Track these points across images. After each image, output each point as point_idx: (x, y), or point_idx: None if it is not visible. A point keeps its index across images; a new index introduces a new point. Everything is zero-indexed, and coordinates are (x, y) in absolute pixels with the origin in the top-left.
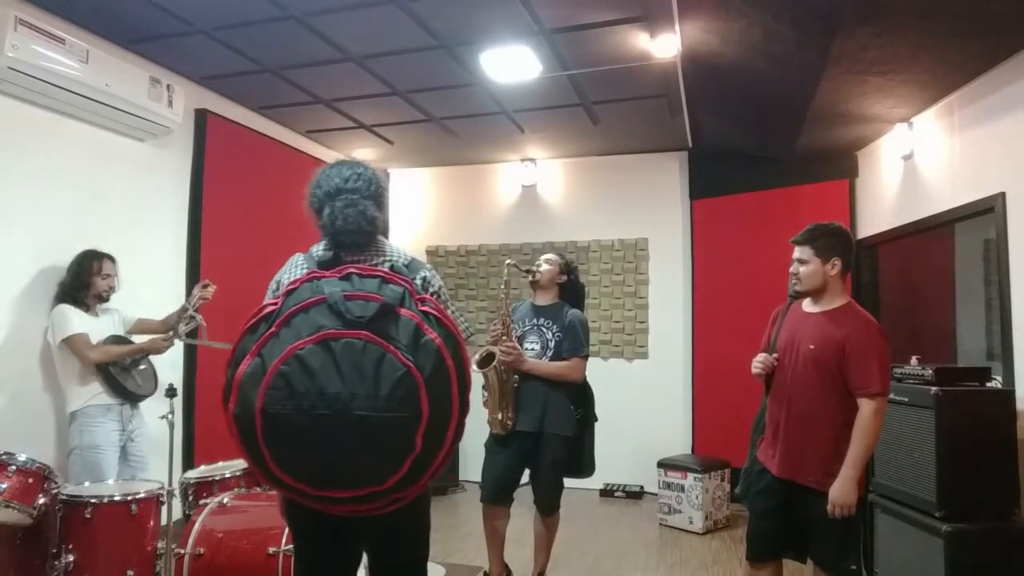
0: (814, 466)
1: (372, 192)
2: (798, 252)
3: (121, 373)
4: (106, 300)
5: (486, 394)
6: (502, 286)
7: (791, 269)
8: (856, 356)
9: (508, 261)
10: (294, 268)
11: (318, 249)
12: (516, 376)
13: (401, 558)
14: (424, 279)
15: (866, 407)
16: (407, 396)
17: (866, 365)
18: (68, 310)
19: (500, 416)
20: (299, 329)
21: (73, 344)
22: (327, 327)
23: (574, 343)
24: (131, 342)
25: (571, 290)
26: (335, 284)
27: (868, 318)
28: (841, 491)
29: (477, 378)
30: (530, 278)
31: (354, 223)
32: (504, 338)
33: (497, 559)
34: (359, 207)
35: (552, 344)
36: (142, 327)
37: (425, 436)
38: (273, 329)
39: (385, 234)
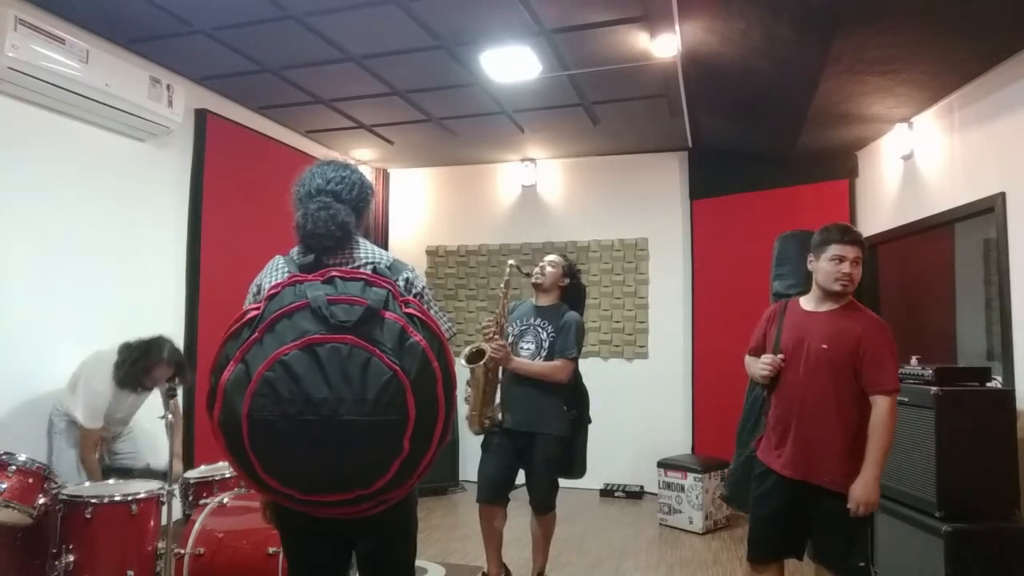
0: (830, 467)
1: (353, 197)
2: (853, 252)
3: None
4: (148, 391)
5: (468, 389)
6: (502, 285)
7: (844, 269)
8: (871, 354)
9: (510, 261)
10: (275, 271)
11: (297, 252)
12: (502, 376)
13: (389, 557)
14: (407, 280)
15: (882, 405)
16: (394, 399)
17: (882, 363)
18: (102, 399)
19: (478, 413)
20: (283, 335)
21: (83, 432)
22: (312, 332)
23: (565, 343)
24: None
25: (572, 292)
26: (318, 288)
27: (877, 317)
28: (865, 490)
29: (462, 377)
30: (532, 280)
31: (323, 227)
32: (496, 337)
33: (495, 559)
34: (331, 211)
35: (547, 344)
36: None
37: (412, 438)
38: (256, 335)
39: (369, 236)
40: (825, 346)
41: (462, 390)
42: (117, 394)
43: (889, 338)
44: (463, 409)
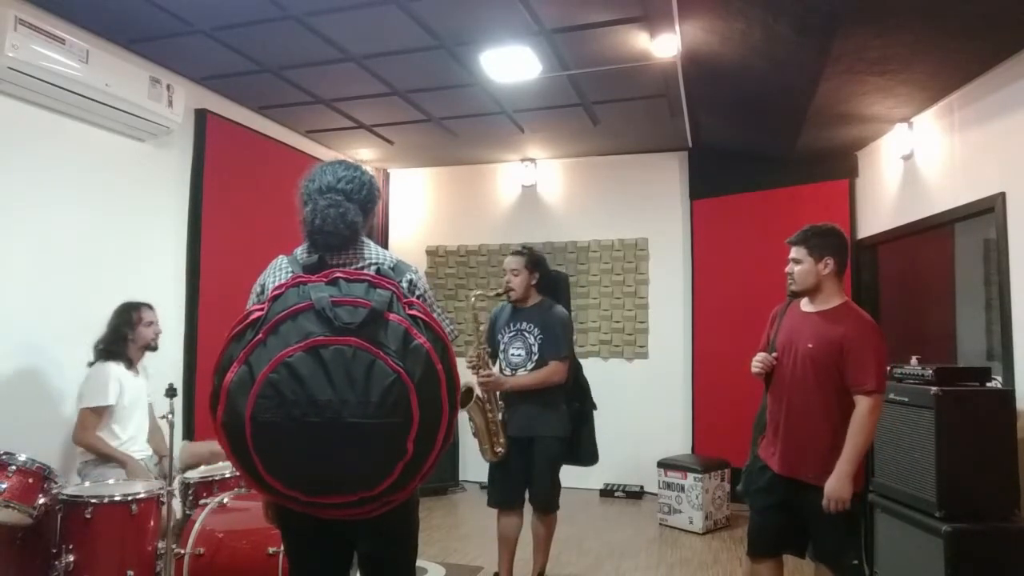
0: (813, 463)
1: (362, 197)
2: (792, 252)
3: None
4: (155, 349)
5: (474, 426)
6: (472, 321)
7: (786, 269)
8: (853, 354)
9: (475, 292)
10: (278, 272)
11: (301, 252)
12: (501, 404)
13: (390, 558)
14: (410, 282)
15: (862, 404)
16: (398, 402)
17: (862, 363)
18: (106, 374)
19: (489, 446)
20: (287, 336)
21: (83, 415)
22: (316, 334)
23: (553, 346)
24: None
25: (547, 283)
26: (322, 289)
27: (865, 317)
28: (836, 486)
29: (465, 378)
30: (508, 299)
31: (332, 225)
32: (481, 369)
33: (506, 566)
34: (340, 209)
35: (536, 349)
36: (155, 437)
37: (416, 441)
38: (260, 336)
39: (372, 237)
40: (810, 345)
41: (468, 425)
42: (116, 374)
43: (874, 339)
44: (463, 420)
